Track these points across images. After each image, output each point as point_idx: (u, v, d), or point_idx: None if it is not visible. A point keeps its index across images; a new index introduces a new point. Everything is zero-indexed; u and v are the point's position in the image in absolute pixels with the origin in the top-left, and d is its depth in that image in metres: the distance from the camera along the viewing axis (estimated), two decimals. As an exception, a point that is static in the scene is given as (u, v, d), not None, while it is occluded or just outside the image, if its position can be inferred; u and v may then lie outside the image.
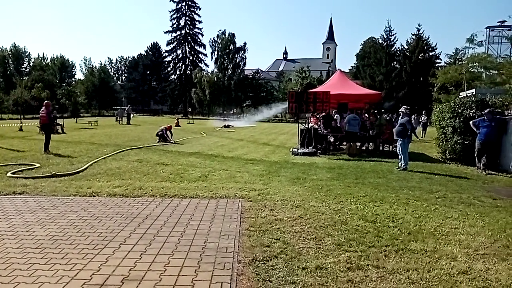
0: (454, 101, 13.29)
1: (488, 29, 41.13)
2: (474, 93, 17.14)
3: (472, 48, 28.83)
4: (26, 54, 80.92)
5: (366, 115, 17.54)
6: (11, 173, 8.77)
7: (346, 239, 4.84)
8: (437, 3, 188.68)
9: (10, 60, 77.87)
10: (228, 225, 5.35)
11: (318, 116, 17.12)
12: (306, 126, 15.25)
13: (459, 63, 34.93)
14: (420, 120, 28.31)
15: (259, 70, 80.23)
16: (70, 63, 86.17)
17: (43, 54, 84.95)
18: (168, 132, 18.11)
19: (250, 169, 10.34)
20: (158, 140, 17.47)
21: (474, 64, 28.21)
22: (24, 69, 79.83)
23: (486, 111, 10.93)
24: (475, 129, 11.15)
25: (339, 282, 3.68)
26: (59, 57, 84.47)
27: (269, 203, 6.60)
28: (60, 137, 19.47)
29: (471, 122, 11.31)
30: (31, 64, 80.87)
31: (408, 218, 5.85)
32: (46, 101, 14.31)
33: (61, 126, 23.30)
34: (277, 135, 25.21)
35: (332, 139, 15.81)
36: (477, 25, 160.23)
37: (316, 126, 16.06)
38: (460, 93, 21.30)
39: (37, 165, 10.08)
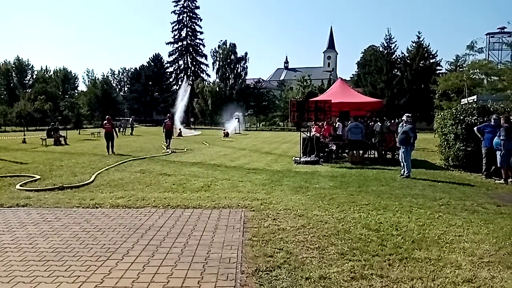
0: (455, 108, 13.27)
1: (488, 36, 41.24)
2: (475, 100, 17.17)
3: (473, 55, 28.92)
4: (30, 66, 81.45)
5: (371, 123, 17.44)
6: (20, 186, 8.80)
7: (350, 248, 4.82)
8: (437, 11, 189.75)
9: (13, 73, 78.47)
10: (231, 235, 5.34)
11: (320, 124, 17.14)
12: (308, 134, 15.26)
13: (460, 70, 34.98)
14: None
15: (261, 80, 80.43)
16: (73, 75, 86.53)
17: (46, 66, 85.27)
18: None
19: (253, 178, 10.33)
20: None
21: (475, 71, 28.28)
22: (27, 81, 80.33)
23: (494, 116, 10.79)
24: (479, 136, 11.08)
25: (343, 292, 3.65)
26: (62, 69, 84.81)
27: (271, 213, 6.59)
28: (63, 149, 19.58)
29: (475, 128, 11.21)
30: (34, 76, 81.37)
31: (412, 226, 5.82)
32: (108, 116, 18.16)
33: (64, 138, 23.41)
34: (280, 144, 25.20)
35: (334, 147, 15.79)
36: (477, 32, 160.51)
37: (318, 135, 16.05)
38: (462, 100, 21.32)
39: (38, 177, 10.12)
